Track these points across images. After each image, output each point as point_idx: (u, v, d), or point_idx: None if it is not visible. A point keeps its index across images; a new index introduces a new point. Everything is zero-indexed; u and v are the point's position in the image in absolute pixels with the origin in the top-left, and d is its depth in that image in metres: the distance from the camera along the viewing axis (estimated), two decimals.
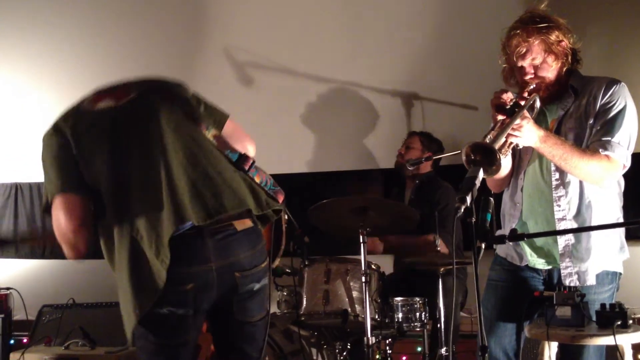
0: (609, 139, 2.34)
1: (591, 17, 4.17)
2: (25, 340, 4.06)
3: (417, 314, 3.27)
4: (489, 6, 4.32)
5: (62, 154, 2.06)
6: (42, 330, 3.87)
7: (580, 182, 2.41)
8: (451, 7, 4.51)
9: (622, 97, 2.39)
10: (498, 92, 2.34)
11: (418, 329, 3.32)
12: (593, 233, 2.40)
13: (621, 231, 2.49)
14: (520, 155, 2.55)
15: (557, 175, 2.43)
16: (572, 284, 2.40)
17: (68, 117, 2.11)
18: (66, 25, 5.14)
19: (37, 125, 4.86)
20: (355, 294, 3.21)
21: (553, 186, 2.44)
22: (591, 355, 2.37)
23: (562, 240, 2.43)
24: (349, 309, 3.18)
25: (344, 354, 3.40)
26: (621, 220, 2.50)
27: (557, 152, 2.31)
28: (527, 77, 2.46)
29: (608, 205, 2.44)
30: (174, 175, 2.04)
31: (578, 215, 2.42)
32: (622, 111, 2.37)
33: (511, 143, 2.30)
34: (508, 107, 2.28)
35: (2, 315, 4.18)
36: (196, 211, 2.02)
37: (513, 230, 2.06)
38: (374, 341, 3.11)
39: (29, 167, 4.88)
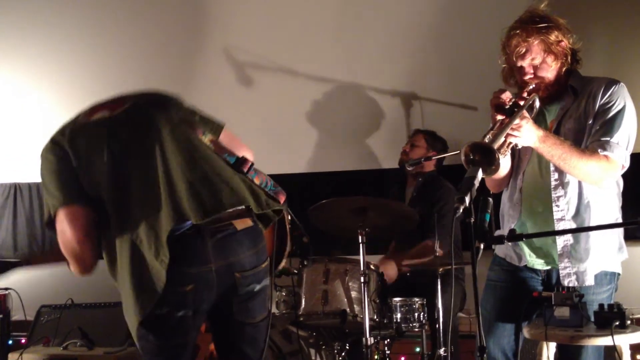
0: (608, 139, 2.33)
1: (591, 17, 4.17)
2: (23, 341, 4.05)
3: (416, 314, 3.26)
4: (488, 6, 4.32)
5: (62, 167, 2.07)
6: (40, 330, 3.87)
7: (579, 183, 2.41)
8: (451, 7, 4.50)
9: (622, 98, 2.39)
10: (497, 92, 2.34)
11: (417, 330, 3.32)
12: (592, 233, 2.40)
13: (620, 231, 2.49)
14: (520, 156, 2.54)
15: (556, 176, 2.43)
16: (570, 285, 2.40)
17: (65, 130, 2.12)
18: (66, 26, 5.14)
19: (37, 126, 4.93)
20: (354, 294, 3.21)
21: (552, 186, 2.43)
22: (589, 355, 2.37)
23: (561, 241, 2.43)
24: (348, 309, 3.17)
25: (343, 354, 3.39)
26: (620, 220, 2.49)
27: (556, 152, 2.31)
28: (527, 77, 2.45)
29: (607, 205, 2.44)
30: (172, 176, 2.05)
31: (577, 215, 2.41)
32: (621, 111, 2.37)
33: (510, 143, 2.29)
34: (507, 107, 2.28)
35: (1, 316, 4.16)
36: (194, 209, 2.02)
37: (512, 231, 2.05)
38: (372, 341, 3.10)
39: (29, 167, 4.87)
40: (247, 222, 2.15)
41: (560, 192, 2.42)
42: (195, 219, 2.01)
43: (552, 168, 2.43)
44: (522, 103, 2.31)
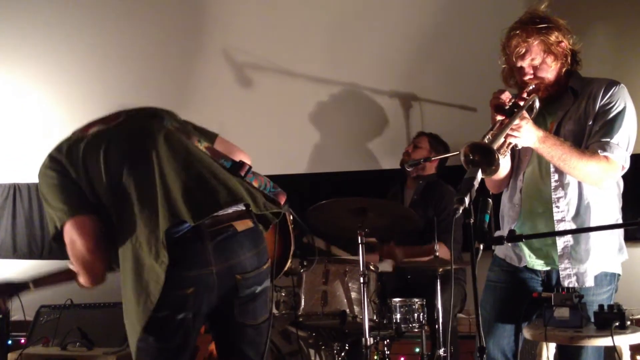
0: (608, 140, 2.33)
1: (591, 17, 4.17)
2: (22, 341, 4.05)
3: (416, 314, 3.26)
4: (488, 6, 4.32)
5: (63, 180, 2.07)
6: (39, 330, 3.87)
7: (579, 184, 2.41)
8: (450, 8, 4.50)
9: (622, 99, 2.39)
10: (497, 92, 2.34)
11: (416, 330, 3.32)
12: (592, 234, 2.40)
13: (620, 232, 2.48)
14: (520, 157, 2.54)
15: (556, 177, 2.43)
16: (570, 285, 2.40)
17: (61, 147, 2.13)
18: (66, 26, 5.14)
19: (37, 126, 4.92)
20: (353, 294, 3.21)
21: (552, 187, 2.43)
22: (589, 356, 2.37)
23: (561, 242, 2.42)
24: (347, 310, 3.17)
25: (342, 354, 3.39)
26: (620, 221, 2.49)
27: (556, 152, 2.30)
28: (527, 78, 2.45)
29: (607, 206, 2.43)
30: (168, 180, 2.06)
31: (577, 216, 2.41)
32: (621, 112, 2.37)
33: (510, 143, 2.29)
34: (507, 107, 2.28)
35: (0, 316, 4.16)
36: (189, 209, 2.01)
37: (512, 231, 2.05)
38: (372, 342, 3.10)
39: (28, 168, 4.87)
40: (247, 224, 2.15)
41: (560, 193, 2.42)
42: (190, 219, 2.00)
43: (552, 169, 2.42)
44: (521, 103, 2.31)
